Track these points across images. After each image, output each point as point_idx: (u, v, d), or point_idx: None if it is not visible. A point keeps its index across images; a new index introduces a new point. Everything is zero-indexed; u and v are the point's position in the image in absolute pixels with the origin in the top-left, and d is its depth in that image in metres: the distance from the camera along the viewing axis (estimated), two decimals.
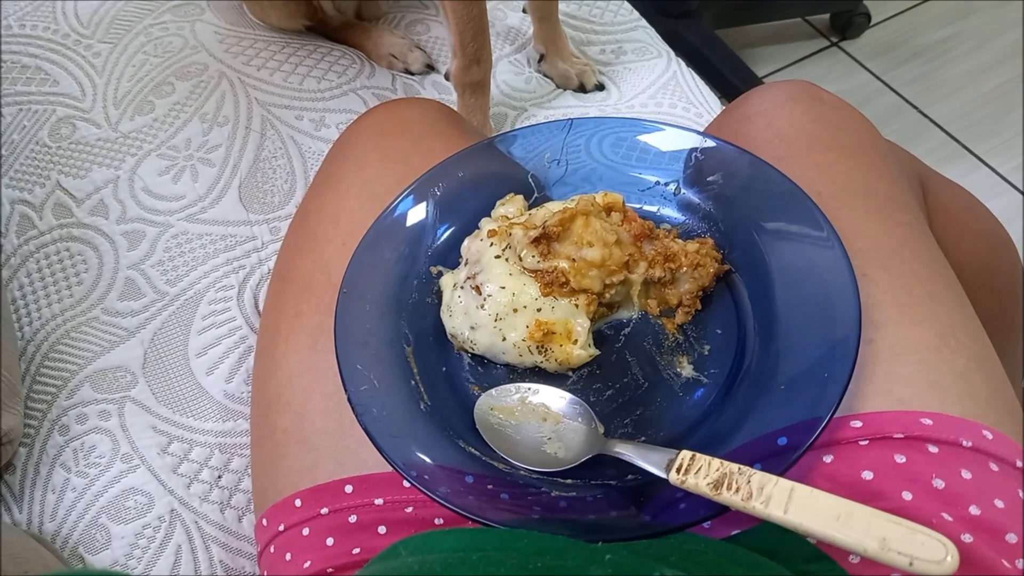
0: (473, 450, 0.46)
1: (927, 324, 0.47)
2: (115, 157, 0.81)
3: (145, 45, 0.90)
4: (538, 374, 0.49)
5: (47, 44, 0.89)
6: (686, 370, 0.48)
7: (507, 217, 0.53)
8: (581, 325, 0.48)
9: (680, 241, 0.51)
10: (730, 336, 0.49)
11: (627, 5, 1.00)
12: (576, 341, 0.48)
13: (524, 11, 0.97)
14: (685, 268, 0.49)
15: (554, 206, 0.52)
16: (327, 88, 0.88)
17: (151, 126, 0.83)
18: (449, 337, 0.51)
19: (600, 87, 0.92)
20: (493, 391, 0.48)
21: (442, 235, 0.55)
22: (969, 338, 0.47)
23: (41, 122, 0.83)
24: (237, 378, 0.68)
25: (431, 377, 0.49)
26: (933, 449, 0.42)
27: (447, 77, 0.89)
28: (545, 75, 0.93)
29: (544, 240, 0.49)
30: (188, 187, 0.79)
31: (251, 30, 0.93)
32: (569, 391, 0.47)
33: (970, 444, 0.42)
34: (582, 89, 0.92)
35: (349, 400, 0.46)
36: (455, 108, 0.85)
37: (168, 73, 0.87)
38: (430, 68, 0.93)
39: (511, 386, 0.48)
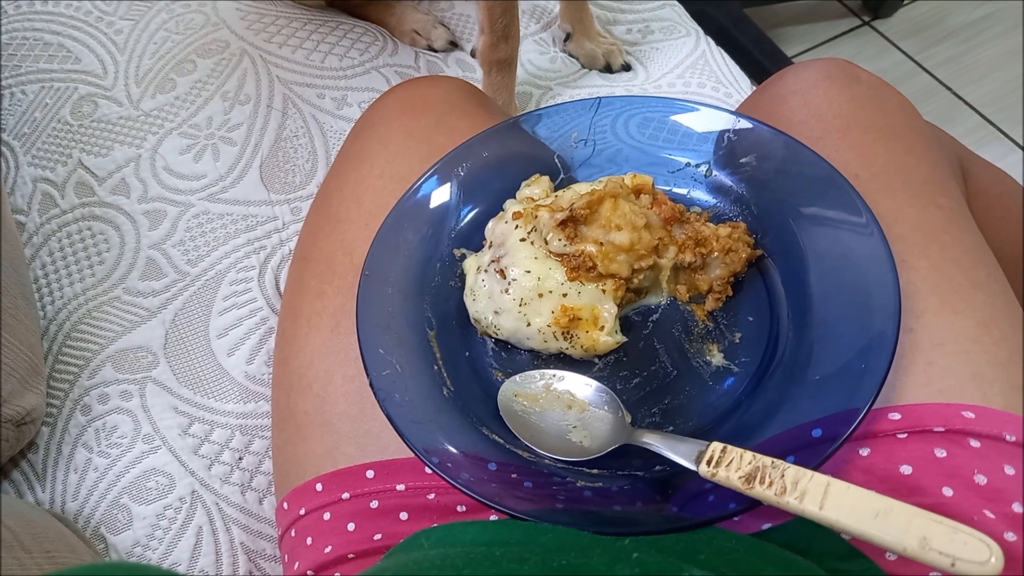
0: (496, 437, 0.45)
1: (968, 313, 0.45)
2: (136, 135, 0.80)
3: (167, 22, 0.89)
4: (563, 360, 0.48)
5: (69, 21, 0.89)
6: (716, 358, 0.47)
7: (532, 199, 0.52)
8: (608, 311, 0.47)
9: (711, 225, 0.49)
10: (762, 324, 0.47)
11: None
12: (603, 327, 0.47)
13: None
14: (716, 253, 0.48)
15: (581, 188, 0.51)
16: (349, 66, 0.87)
17: (172, 104, 0.82)
18: (472, 322, 0.49)
19: (627, 67, 0.90)
20: (517, 377, 0.47)
21: (466, 216, 0.54)
22: (1011, 328, 0.46)
23: (63, 100, 0.82)
24: (258, 359, 0.67)
25: (454, 362, 0.48)
26: (975, 443, 0.41)
27: (473, 54, 0.88)
28: (571, 55, 0.91)
29: (571, 223, 0.47)
30: (209, 166, 0.78)
31: (273, 6, 0.92)
32: (595, 378, 0.46)
33: (1013, 439, 0.41)
34: (608, 69, 0.90)
35: (371, 385, 0.45)
36: (479, 87, 0.83)
37: (190, 51, 0.86)
38: (453, 45, 0.91)
39: (536, 372, 0.47)
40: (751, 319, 0.48)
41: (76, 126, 0.80)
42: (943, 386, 0.42)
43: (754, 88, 0.76)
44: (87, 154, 0.79)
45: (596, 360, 0.48)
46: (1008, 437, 0.40)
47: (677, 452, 0.40)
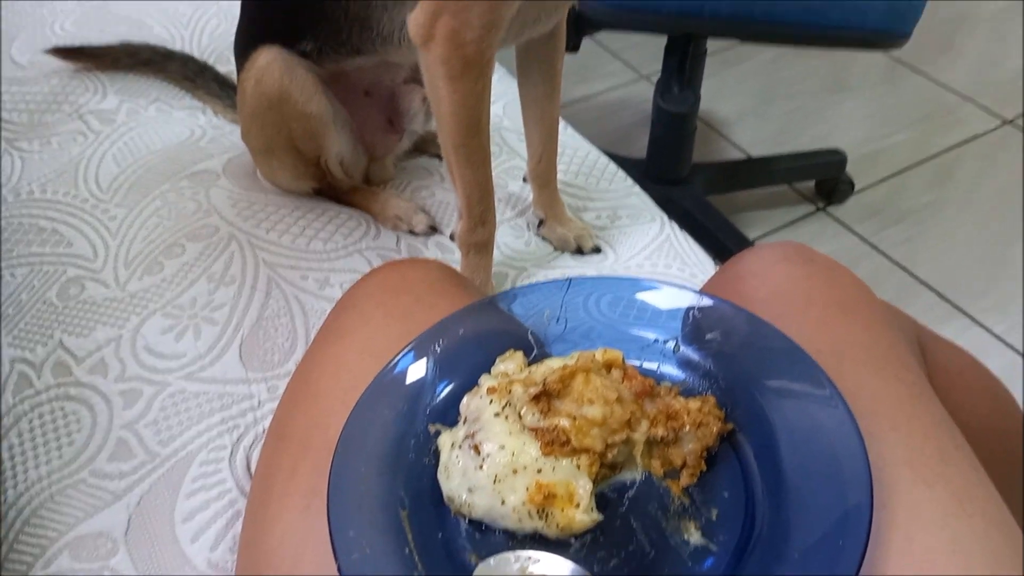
0: None
1: (941, 486, 0.45)
2: (120, 316, 0.82)
3: (160, 209, 0.93)
4: (539, 541, 0.47)
5: (66, 208, 0.93)
6: (694, 537, 0.46)
7: (507, 374, 0.53)
8: (583, 487, 0.47)
9: (682, 399, 0.50)
10: (738, 499, 0.47)
11: (621, 173, 1.05)
12: (578, 504, 0.46)
13: (524, 180, 1.02)
14: (688, 427, 0.48)
15: (554, 363, 0.52)
16: (333, 249, 0.91)
17: (159, 286, 0.85)
18: (446, 500, 0.49)
19: (597, 249, 0.95)
20: (491, 560, 0.45)
21: (442, 392, 0.54)
22: (985, 499, 0.46)
23: (51, 282, 0.84)
24: (223, 546, 0.64)
25: (426, 544, 0.47)
26: None
27: (452, 238, 0.92)
28: (544, 238, 0.96)
29: (544, 397, 0.48)
30: (190, 345, 0.79)
31: (263, 195, 0.97)
32: (572, 560, 0.45)
33: None
34: (580, 251, 0.95)
35: (339, 569, 0.44)
36: (457, 268, 0.87)
37: (180, 235, 0.90)
38: (433, 229, 0.96)
39: (510, 554, 0.45)
40: (727, 495, 0.47)
41: (61, 307, 0.82)
42: (924, 561, 0.42)
43: (717, 268, 0.80)
44: (68, 335, 0.80)
45: (572, 540, 0.47)
46: None
47: None
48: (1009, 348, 1.43)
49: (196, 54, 1.13)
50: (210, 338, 0.80)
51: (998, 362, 1.40)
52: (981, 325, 1.48)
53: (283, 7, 0.83)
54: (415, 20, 0.71)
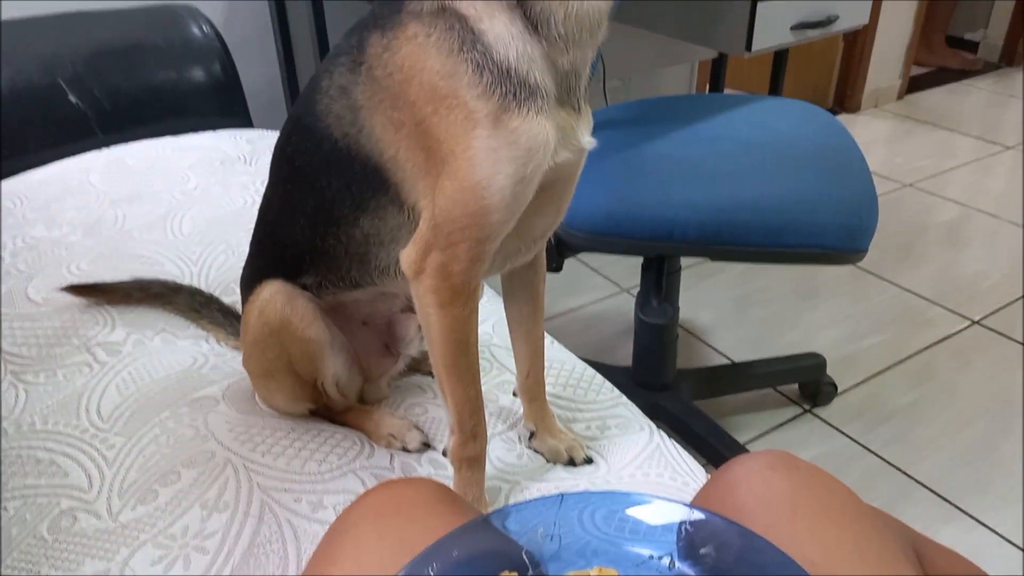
0: None
1: None
2: (109, 548, 0.80)
3: (159, 436, 0.95)
4: None
5: (64, 439, 0.95)
6: None
7: None
8: None
9: None
10: None
11: (608, 385, 1.09)
12: None
13: (514, 394, 1.05)
14: None
15: None
16: (327, 470, 0.92)
17: (151, 515, 0.84)
18: None
19: (589, 460, 0.96)
20: None
21: None
22: None
23: (43, 515, 0.84)
24: None
25: None
26: None
27: (444, 453, 0.94)
28: (536, 451, 0.98)
29: None
30: None
31: (260, 418, 0.99)
32: None
33: None
34: (572, 463, 0.96)
35: None
36: (450, 484, 0.87)
37: (176, 462, 0.91)
38: (426, 446, 0.98)
39: None
40: None
41: (51, 541, 0.81)
42: None
43: (708, 476, 0.81)
44: (55, 571, 0.78)
45: None
46: None
47: None
48: (1014, 547, 1.40)
49: (203, 287, 1.21)
50: (199, 568, 0.79)
51: (1004, 563, 1.36)
52: (984, 525, 1.45)
53: (288, 246, 0.91)
54: (407, 256, 0.78)
